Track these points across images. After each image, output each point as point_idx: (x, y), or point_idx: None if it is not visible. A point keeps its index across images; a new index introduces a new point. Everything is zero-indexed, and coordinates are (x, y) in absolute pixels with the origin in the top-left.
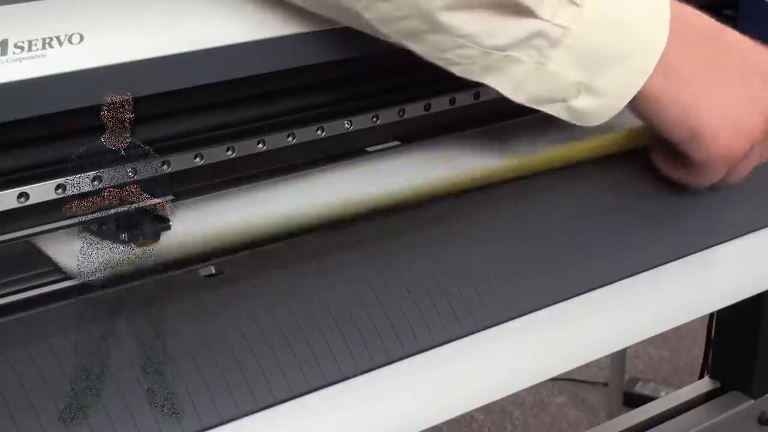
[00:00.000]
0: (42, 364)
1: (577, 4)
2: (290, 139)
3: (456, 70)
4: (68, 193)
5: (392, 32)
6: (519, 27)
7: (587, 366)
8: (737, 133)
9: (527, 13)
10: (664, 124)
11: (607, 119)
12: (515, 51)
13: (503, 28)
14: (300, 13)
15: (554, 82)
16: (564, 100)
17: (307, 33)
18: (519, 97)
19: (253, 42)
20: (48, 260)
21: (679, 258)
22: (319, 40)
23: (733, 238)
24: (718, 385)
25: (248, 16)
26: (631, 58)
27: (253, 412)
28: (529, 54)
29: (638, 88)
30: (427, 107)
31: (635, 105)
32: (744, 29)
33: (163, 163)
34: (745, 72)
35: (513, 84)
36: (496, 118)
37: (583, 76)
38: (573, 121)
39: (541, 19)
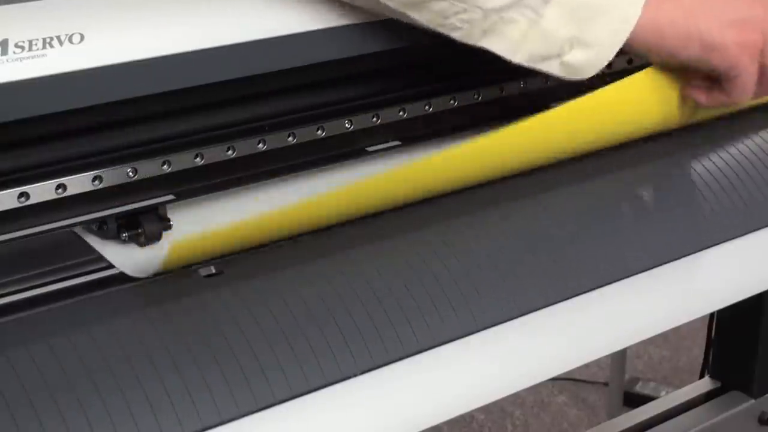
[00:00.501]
0: (42, 364)
1: None
2: (290, 139)
3: (457, 36)
4: (68, 193)
5: (396, 3)
6: None
7: (587, 366)
8: (746, 24)
9: None
10: (671, 49)
11: (598, 70)
12: (511, 11)
13: None
14: (298, 12)
15: (548, 39)
16: (558, 56)
17: (306, 33)
18: (516, 57)
19: (253, 42)
20: (90, 250)
21: (679, 258)
22: (319, 40)
23: (733, 238)
24: (718, 385)
25: (248, 16)
26: (617, 5)
27: (253, 412)
28: (523, 13)
29: (626, 35)
30: (428, 107)
31: (637, 44)
32: None
33: (163, 163)
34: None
35: (511, 45)
36: (496, 118)
37: (575, 30)
38: (567, 76)
39: None
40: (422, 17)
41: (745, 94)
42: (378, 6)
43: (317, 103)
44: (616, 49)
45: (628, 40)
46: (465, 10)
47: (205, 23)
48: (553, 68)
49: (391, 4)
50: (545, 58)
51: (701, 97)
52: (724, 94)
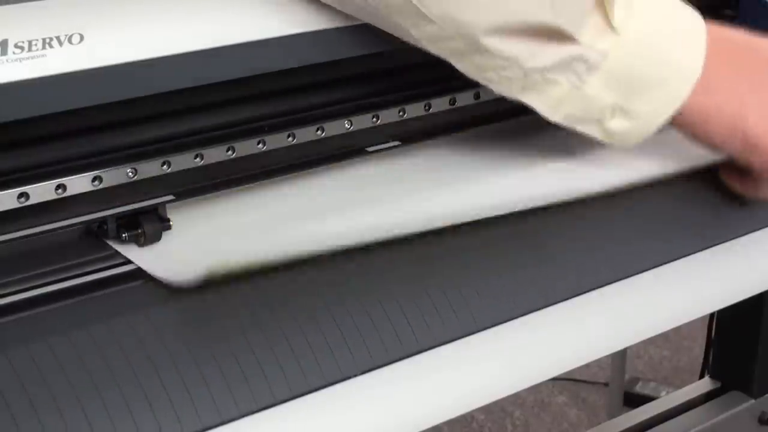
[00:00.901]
0: (42, 364)
1: (616, 31)
2: (290, 139)
3: (495, 88)
4: (68, 193)
5: (437, 50)
6: (559, 51)
7: (587, 366)
8: None
9: (567, 38)
10: (713, 137)
11: (639, 141)
12: (554, 73)
13: (544, 52)
14: (298, 13)
15: (590, 104)
16: (599, 121)
17: (306, 33)
18: (555, 116)
19: (253, 42)
20: (107, 247)
21: (679, 258)
22: (319, 40)
23: (733, 238)
24: (719, 385)
25: (248, 16)
26: (667, 84)
27: (253, 412)
28: (567, 77)
29: (670, 113)
30: (427, 107)
31: (680, 123)
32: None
33: (163, 164)
34: None
35: (550, 104)
36: (496, 118)
37: (619, 99)
38: (606, 142)
39: (580, 44)
40: (461, 66)
41: None
42: (423, 47)
43: (317, 103)
44: (659, 125)
45: (672, 118)
46: (504, 68)
47: (206, 23)
48: (592, 131)
49: (432, 50)
50: (584, 121)
51: (735, 184)
52: (758, 190)
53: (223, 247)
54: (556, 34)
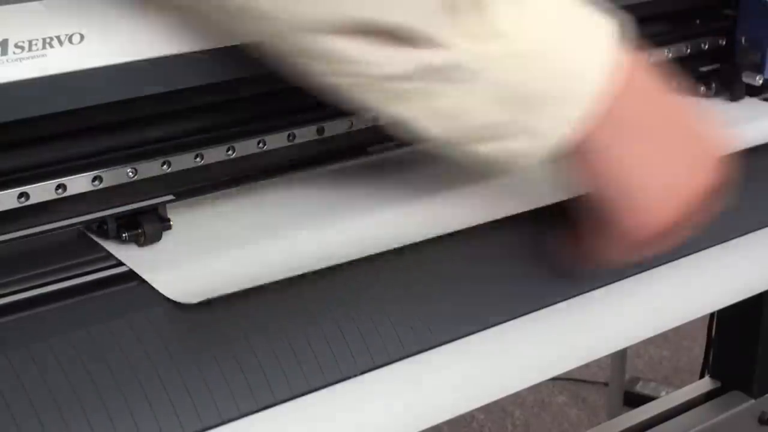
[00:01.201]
0: (42, 364)
1: (501, 35)
2: (290, 139)
3: (359, 98)
4: (68, 193)
5: (282, 50)
6: (424, 56)
7: (588, 366)
8: (670, 202)
9: (428, 41)
10: (596, 176)
11: (535, 166)
12: (427, 82)
13: (405, 57)
14: None
15: (477, 120)
16: (489, 140)
17: None
18: (434, 131)
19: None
20: (99, 248)
21: (679, 258)
22: None
23: (733, 238)
24: (719, 384)
25: None
26: (564, 103)
27: (253, 412)
28: (441, 86)
29: (569, 135)
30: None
31: (569, 150)
32: (744, 29)
33: (163, 164)
34: (692, 142)
35: (429, 117)
36: None
37: (509, 116)
38: (499, 167)
39: (451, 49)
40: (315, 76)
41: (619, 256)
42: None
43: (317, 103)
44: (557, 147)
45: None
46: (358, 74)
47: None
48: (484, 152)
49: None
50: (474, 140)
51: (574, 238)
52: (603, 251)
53: (221, 267)
54: (412, 37)
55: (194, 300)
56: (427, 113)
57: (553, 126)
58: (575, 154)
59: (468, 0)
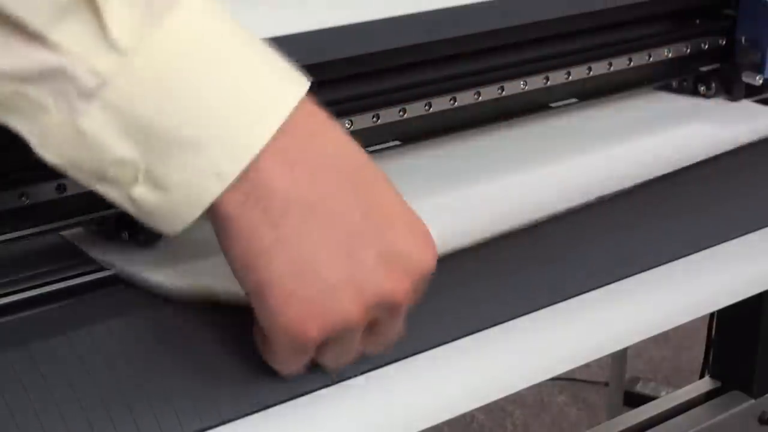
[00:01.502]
0: (42, 364)
1: (120, 51)
2: None
3: None
4: (68, 193)
5: None
6: (33, 55)
7: (588, 366)
8: (313, 311)
9: (37, 37)
10: (232, 259)
11: (179, 229)
12: (32, 88)
13: (7, 49)
14: (295, 13)
15: (95, 150)
16: (109, 182)
17: (306, 33)
18: (49, 154)
19: None
20: (80, 253)
21: (679, 258)
22: (318, 39)
23: (733, 238)
24: (719, 384)
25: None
26: (206, 152)
27: (253, 412)
28: (53, 98)
29: (214, 196)
30: (427, 107)
31: (212, 215)
32: (744, 29)
33: None
34: (364, 240)
35: (40, 135)
36: (496, 118)
37: (137, 154)
38: (141, 219)
39: (62, 53)
40: None
41: (274, 362)
42: None
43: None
44: (198, 210)
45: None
46: None
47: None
48: (109, 193)
49: None
50: (97, 177)
51: (257, 338)
52: (264, 344)
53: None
54: (19, 26)
55: (194, 300)
56: (37, 130)
57: (184, 179)
58: (215, 221)
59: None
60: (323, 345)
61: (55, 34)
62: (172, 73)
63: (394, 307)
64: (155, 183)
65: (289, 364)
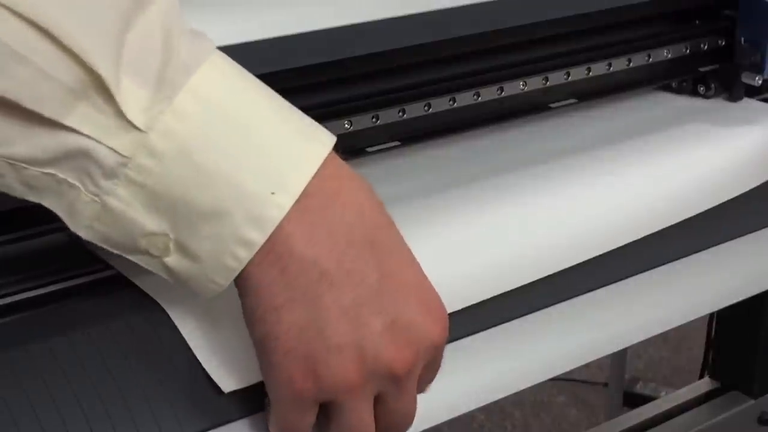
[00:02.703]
0: (42, 364)
1: (138, 129)
2: None
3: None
4: None
5: None
6: (53, 138)
7: (587, 366)
8: (311, 367)
9: (48, 120)
10: (245, 309)
11: (215, 293)
12: (59, 169)
13: (25, 136)
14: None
15: (124, 226)
16: (149, 253)
17: (306, 33)
18: (82, 231)
19: (253, 42)
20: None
21: (679, 258)
22: (318, 40)
23: (733, 238)
24: (718, 385)
25: (245, 17)
26: (231, 221)
27: (254, 413)
28: (80, 178)
29: (244, 263)
30: (427, 108)
31: (241, 286)
32: (744, 29)
33: None
34: (374, 306)
35: (70, 212)
36: (496, 118)
37: (166, 227)
38: (179, 285)
39: (79, 133)
40: None
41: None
42: None
43: (316, 103)
44: (229, 276)
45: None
46: None
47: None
48: (149, 265)
49: None
50: (129, 249)
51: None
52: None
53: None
54: (27, 111)
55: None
56: (68, 208)
57: (214, 249)
58: (242, 288)
59: (95, 82)
60: (330, 417)
61: (69, 120)
62: (190, 146)
63: (396, 377)
64: (186, 253)
65: (290, 423)
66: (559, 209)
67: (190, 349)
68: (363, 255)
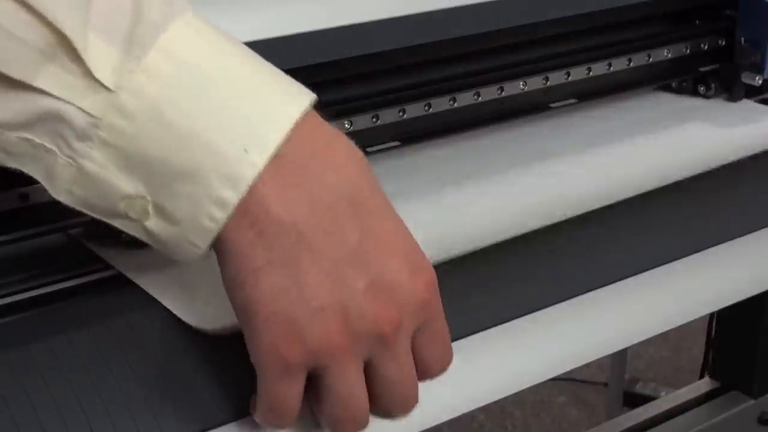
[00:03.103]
0: (42, 364)
1: (107, 89)
2: None
3: None
4: None
5: None
6: (27, 101)
7: (587, 366)
8: (294, 332)
9: (20, 83)
10: (225, 275)
11: (197, 256)
12: (33, 133)
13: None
14: (298, 14)
15: (102, 189)
16: (128, 217)
17: (306, 33)
18: (62, 195)
19: (253, 42)
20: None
21: (679, 258)
22: (318, 39)
23: (733, 238)
24: (718, 385)
25: (244, 17)
26: (205, 181)
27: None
28: (55, 141)
29: (221, 224)
30: (427, 108)
31: (218, 248)
32: (744, 29)
33: None
34: (356, 266)
35: (49, 177)
36: (496, 118)
37: (143, 189)
38: (160, 250)
39: (50, 95)
40: None
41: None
42: None
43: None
44: (208, 238)
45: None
46: None
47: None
48: (129, 228)
49: None
50: (108, 213)
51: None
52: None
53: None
54: (5, 77)
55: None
56: (46, 173)
57: (190, 210)
58: (221, 253)
59: (62, 42)
60: (319, 387)
61: (38, 82)
62: (162, 105)
63: (383, 336)
64: (165, 215)
65: (277, 394)
66: (558, 208)
67: (191, 349)
68: (343, 216)
